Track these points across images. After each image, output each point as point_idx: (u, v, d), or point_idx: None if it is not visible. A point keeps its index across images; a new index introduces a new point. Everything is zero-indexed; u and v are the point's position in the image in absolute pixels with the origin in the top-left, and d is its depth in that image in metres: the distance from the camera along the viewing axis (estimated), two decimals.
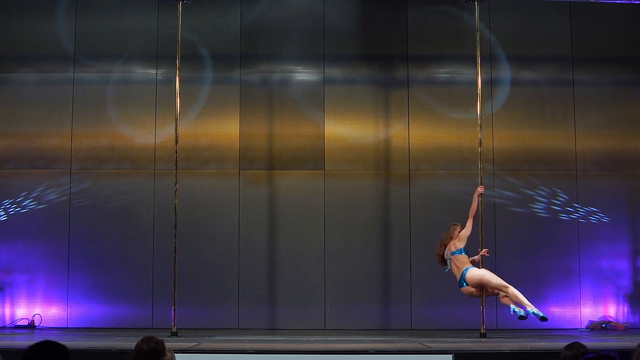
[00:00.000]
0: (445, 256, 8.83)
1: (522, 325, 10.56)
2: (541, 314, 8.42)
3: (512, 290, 8.58)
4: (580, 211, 11.04)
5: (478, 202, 8.94)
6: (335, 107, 11.24)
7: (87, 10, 11.28)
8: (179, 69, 9.39)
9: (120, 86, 11.24)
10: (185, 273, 10.42)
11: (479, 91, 9.32)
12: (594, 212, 11.06)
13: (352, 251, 11.00)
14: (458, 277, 8.73)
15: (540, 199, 11.09)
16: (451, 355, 6.58)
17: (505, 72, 11.35)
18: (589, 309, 10.90)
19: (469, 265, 8.72)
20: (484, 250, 8.83)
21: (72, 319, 10.82)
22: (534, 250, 10.95)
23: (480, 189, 8.99)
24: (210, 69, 11.30)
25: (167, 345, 4.36)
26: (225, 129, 11.17)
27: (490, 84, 11.15)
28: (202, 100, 11.16)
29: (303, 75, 11.42)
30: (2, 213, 10.95)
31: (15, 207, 10.98)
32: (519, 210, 11.02)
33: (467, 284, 8.68)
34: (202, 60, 11.27)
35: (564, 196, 11.09)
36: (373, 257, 10.98)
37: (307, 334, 9.56)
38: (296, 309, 10.85)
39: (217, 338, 8.75)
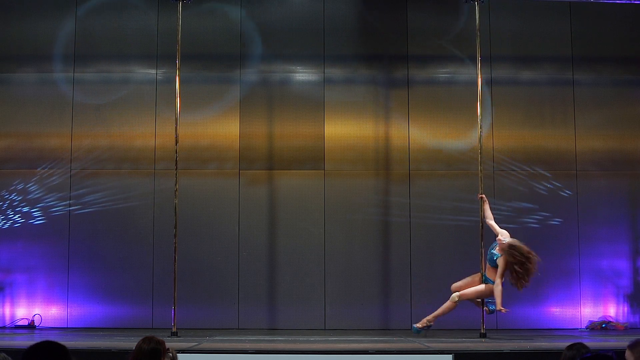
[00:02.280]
0: None
1: (522, 325, 10.58)
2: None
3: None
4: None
5: (481, 206, 9.03)
6: (335, 107, 11.24)
7: (87, 10, 11.28)
8: (179, 69, 9.39)
9: (120, 86, 11.24)
10: (185, 273, 10.42)
11: (479, 91, 9.33)
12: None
13: (352, 251, 11.00)
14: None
15: (539, 199, 11.08)
16: (451, 355, 6.59)
17: (505, 72, 11.35)
18: (589, 309, 10.89)
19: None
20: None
21: (72, 319, 10.81)
22: (533, 250, 10.91)
23: (479, 196, 9.11)
24: (210, 69, 11.30)
25: (168, 345, 4.36)
26: (225, 129, 11.17)
27: (490, 84, 11.16)
28: (202, 100, 11.15)
29: (303, 75, 11.42)
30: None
31: (19, 209, 10.98)
32: (519, 210, 11.01)
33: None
34: (202, 60, 11.27)
35: (564, 196, 11.09)
36: (373, 257, 10.98)
37: (307, 334, 9.57)
38: (296, 309, 10.85)
39: (217, 338, 8.76)
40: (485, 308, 8.79)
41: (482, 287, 8.73)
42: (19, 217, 10.97)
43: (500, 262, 8.59)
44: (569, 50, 11.31)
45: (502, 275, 8.55)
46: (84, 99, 11.17)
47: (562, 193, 11.09)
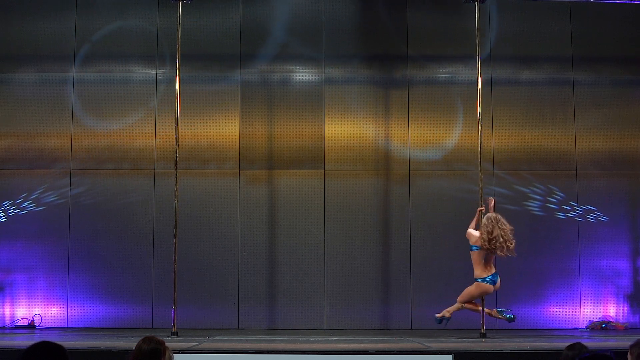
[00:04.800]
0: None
1: (522, 325, 10.57)
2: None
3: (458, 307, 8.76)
4: (577, 209, 11.05)
5: (478, 217, 8.94)
6: (335, 107, 11.24)
7: (87, 10, 11.28)
8: (179, 69, 9.39)
9: (120, 86, 11.24)
10: (185, 273, 10.42)
11: (479, 91, 9.33)
12: (592, 211, 11.06)
13: (352, 251, 11.00)
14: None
15: (540, 198, 11.09)
16: (451, 355, 6.59)
17: (505, 72, 11.35)
18: (589, 309, 10.90)
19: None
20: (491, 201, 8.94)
21: (72, 319, 10.81)
22: (533, 250, 10.95)
23: (486, 206, 8.98)
24: (210, 69, 11.30)
25: (167, 345, 4.36)
26: (225, 129, 11.17)
27: (490, 84, 11.15)
28: (202, 100, 11.16)
29: (303, 75, 11.42)
30: (2, 214, 10.95)
31: (15, 208, 10.97)
32: (519, 210, 11.01)
33: None
34: (202, 60, 11.27)
35: (563, 196, 11.09)
36: (373, 257, 10.98)
37: (307, 334, 9.57)
38: (296, 309, 10.85)
39: (217, 338, 8.76)
40: (500, 316, 8.78)
41: (472, 287, 8.75)
42: (19, 217, 10.96)
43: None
44: (569, 50, 11.31)
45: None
46: (84, 99, 11.17)
47: (562, 192, 11.10)
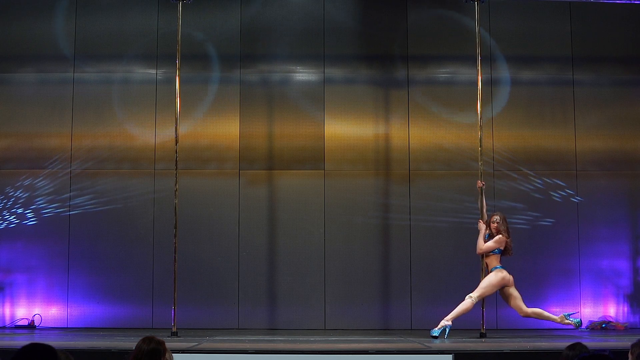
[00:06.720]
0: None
1: (522, 325, 10.58)
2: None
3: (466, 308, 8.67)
4: (577, 204, 11.06)
5: (481, 196, 8.98)
6: (335, 107, 11.24)
7: (87, 10, 11.28)
8: (179, 69, 9.39)
9: (120, 86, 11.24)
10: (185, 273, 10.42)
11: (479, 91, 9.33)
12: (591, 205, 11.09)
13: (352, 251, 11.00)
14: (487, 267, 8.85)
15: (539, 198, 11.08)
16: (451, 355, 6.58)
17: (505, 72, 11.35)
18: (589, 309, 10.90)
19: (497, 264, 8.79)
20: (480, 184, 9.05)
21: (72, 319, 10.82)
22: (533, 250, 10.95)
23: (478, 183, 9.03)
24: (211, 69, 11.30)
25: (167, 345, 4.36)
26: (225, 129, 11.17)
27: (490, 84, 11.16)
28: (202, 100, 11.16)
29: (303, 75, 11.42)
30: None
31: (19, 209, 10.98)
32: (519, 210, 11.01)
33: None
34: (202, 60, 11.27)
35: (564, 196, 11.09)
36: (373, 257, 10.98)
37: (307, 334, 9.57)
38: (296, 309, 10.85)
39: (217, 338, 8.75)
40: (567, 321, 8.78)
41: (491, 277, 8.72)
42: (18, 217, 10.96)
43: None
44: (569, 50, 11.31)
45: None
46: (84, 99, 11.17)
47: (562, 192, 11.10)
